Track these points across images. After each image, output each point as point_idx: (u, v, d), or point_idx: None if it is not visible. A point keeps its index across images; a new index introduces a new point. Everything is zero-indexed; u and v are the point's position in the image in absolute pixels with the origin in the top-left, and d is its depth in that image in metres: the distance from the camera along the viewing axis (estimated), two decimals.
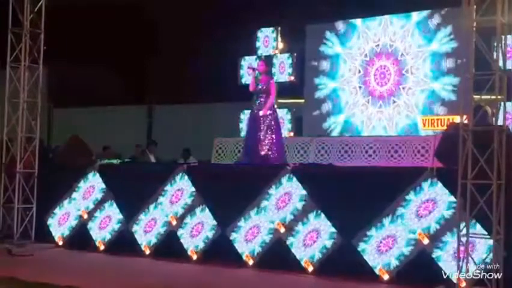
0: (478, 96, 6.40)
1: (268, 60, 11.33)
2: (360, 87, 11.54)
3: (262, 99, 9.26)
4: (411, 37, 11.05)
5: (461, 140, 6.16)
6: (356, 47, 11.60)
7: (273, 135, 9.19)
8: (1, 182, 9.44)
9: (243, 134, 11.54)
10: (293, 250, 7.50)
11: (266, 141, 9.14)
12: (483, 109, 6.53)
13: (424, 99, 10.86)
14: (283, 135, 10.13)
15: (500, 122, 6.28)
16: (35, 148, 9.55)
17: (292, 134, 11.63)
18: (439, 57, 10.79)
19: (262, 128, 9.17)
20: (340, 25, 11.85)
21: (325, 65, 11.96)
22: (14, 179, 9.33)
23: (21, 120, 9.47)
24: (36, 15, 9.43)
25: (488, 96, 6.35)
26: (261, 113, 9.21)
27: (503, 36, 6.25)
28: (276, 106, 10.22)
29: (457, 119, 8.59)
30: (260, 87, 9.31)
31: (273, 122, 9.24)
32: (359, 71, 11.55)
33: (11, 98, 9.54)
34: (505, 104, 6.35)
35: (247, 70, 10.83)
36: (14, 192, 9.32)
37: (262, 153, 9.10)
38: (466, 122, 6.26)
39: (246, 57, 12.08)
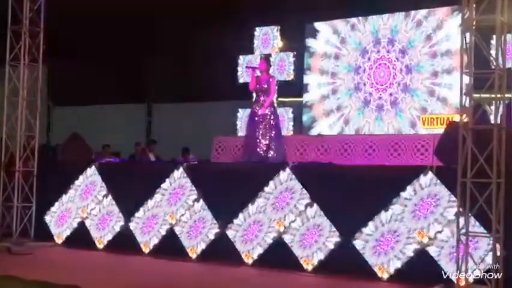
0: (478, 95, 6.40)
1: (267, 59, 11.31)
2: (358, 85, 11.52)
3: (262, 98, 9.26)
4: (411, 35, 11.04)
5: (461, 138, 6.17)
6: (355, 45, 11.59)
7: (273, 134, 9.18)
8: (0, 180, 9.43)
9: (240, 132, 11.53)
10: (292, 249, 7.50)
11: (265, 140, 9.14)
12: (482, 108, 6.53)
13: (423, 96, 10.86)
14: (283, 134, 10.12)
15: (499, 121, 6.28)
16: (35, 147, 9.55)
17: (291, 132, 11.62)
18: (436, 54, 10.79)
19: (261, 126, 9.16)
20: (339, 23, 11.84)
21: (323, 63, 11.95)
22: (14, 178, 9.33)
23: (20, 119, 9.46)
24: (36, 14, 9.42)
25: (488, 95, 6.36)
26: (260, 111, 9.21)
27: (502, 35, 6.25)
28: (275, 105, 10.23)
29: (456, 117, 8.58)
30: (260, 86, 9.30)
31: (272, 121, 9.24)
32: (358, 69, 11.54)
33: (10, 97, 9.53)
34: (504, 102, 6.35)
35: (247, 70, 10.82)
36: (14, 191, 9.32)
37: (262, 151, 9.10)
38: (465, 120, 6.26)
39: (244, 56, 12.05)
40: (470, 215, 6.15)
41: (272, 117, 9.26)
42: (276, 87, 10.34)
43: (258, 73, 9.43)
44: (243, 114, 11.65)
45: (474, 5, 6.29)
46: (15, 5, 9.30)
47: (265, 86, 9.27)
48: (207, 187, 8.34)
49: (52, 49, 9.80)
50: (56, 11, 9.61)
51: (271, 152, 9.11)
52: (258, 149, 9.11)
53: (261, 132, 9.15)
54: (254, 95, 9.50)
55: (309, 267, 7.35)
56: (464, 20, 6.34)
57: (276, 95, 10.53)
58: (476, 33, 6.28)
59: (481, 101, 6.78)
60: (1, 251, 8.60)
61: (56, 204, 9.51)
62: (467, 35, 6.33)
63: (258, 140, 9.13)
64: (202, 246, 8.11)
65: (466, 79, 6.35)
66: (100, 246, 8.89)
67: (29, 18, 9.40)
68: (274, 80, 9.73)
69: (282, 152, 9.39)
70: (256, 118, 9.22)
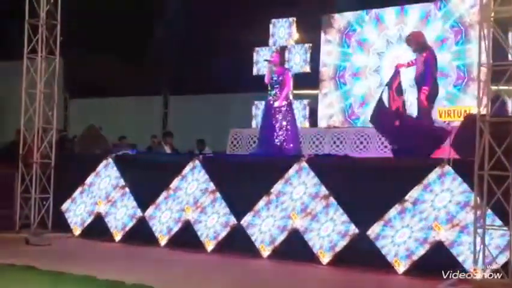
0: (496, 87, 6.35)
1: (283, 51, 11.29)
2: (376, 76, 11.46)
3: (277, 91, 9.25)
4: (429, 27, 10.96)
5: (478, 130, 6.12)
6: (372, 38, 11.53)
7: (288, 126, 9.18)
8: (18, 172, 9.52)
9: (256, 125, 11.52)
10: (308, 241, 7.50)
11: (281, 132, 9.14)
12: (501, 99, 6.47)
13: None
14: (298, 126, 10.11)
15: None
16: (52, 138, 9.63)
17: (307, 125, 11.58)
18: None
19: (277, 119, 9.16)
20: (356, 15, 11.78)
21: (340, 55, 11.90)
22: (31, 169, 9.41)
23: (38, 111, 9.54)
24: (53, 6, 9.48)
25: (506, 87, 6.30)
26: (276, 103, 9.20)
27: None
28: (291, 97, 10.21)
29: (474, 109, 8.52)
30: (275, 78, 9.29)
31: (288, 113, 9.23)
32: (375, 62, 11.48)
33: (28, 89, 9.62)
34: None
35: (264, 62, 10.82)
36: (31, 182, 9.40)
37: (277, 144, 9.10)
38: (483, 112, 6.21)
39: (260, 48, 12.02)
40: (487, 207, 6.11)
41: (288, 110, 9.25)
42: (292, 80, 10.32)
43: (273, 66, 9.41)
44: (259, 107, 11.63)
45: None
46: None
47: (281, 79, 9.26)
48: (222, 179, 8.35)
49: (69, 41, 9.86)
50: (73, 3, 9.67)
51: (287, 144, 9.11)
52: (274, 142, 9.11)
53: (277, 124, 9.15)
54: (269, 87, 9.48)
55: (325, 260, 7.34)
56: (483, 11, 6.28)
57: (291, 88, 10.50)
58: (494, 24, 6.21)
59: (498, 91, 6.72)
60: (19, 242, 8.69)
61: (74, 195, 9.58)
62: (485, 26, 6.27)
63: (273, 133, 9.14)
64: (218, 238, 8.13)
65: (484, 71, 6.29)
66: (117, 237, 8.95)
67: (46, 11, 9.46)
68: (289, 72, 9.72)
69: (298, 144, 9.38)
70: (272, 111, 9.22)
